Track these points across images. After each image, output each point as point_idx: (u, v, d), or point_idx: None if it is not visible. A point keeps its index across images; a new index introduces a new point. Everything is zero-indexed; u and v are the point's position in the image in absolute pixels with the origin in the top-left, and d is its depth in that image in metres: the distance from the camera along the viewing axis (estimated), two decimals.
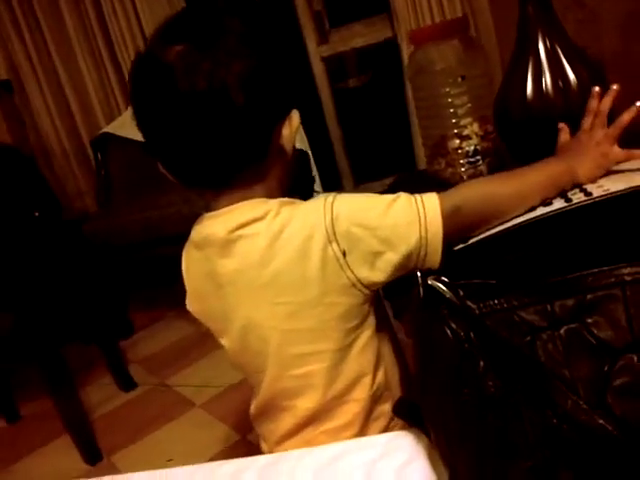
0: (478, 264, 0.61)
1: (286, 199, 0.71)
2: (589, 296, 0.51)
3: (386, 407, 0.76)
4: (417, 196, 0.67)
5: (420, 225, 0.65)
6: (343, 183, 2.82)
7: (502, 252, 0.62)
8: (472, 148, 0.98)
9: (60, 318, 1.92)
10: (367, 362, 0.73)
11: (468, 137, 0.98)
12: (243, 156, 0.69)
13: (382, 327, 0.75)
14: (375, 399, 0.75)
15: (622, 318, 0.50)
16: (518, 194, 0.67)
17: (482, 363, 0.50)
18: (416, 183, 1.15)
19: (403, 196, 0.67)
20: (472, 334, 0.51)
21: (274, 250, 0.67)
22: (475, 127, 0.97)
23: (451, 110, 0.97)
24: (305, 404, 0.74)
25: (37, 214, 1.81)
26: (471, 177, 1.00)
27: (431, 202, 0.66)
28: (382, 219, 0.65)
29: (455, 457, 0.52)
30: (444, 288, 0.53)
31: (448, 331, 0.51)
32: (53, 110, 2.69)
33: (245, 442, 1.57)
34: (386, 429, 0.75)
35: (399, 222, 0.65)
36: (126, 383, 2.03)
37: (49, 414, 1.76)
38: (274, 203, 0.69)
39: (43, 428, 1.88)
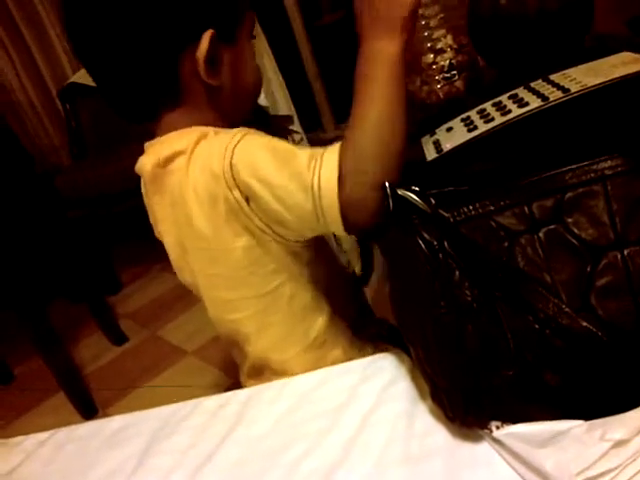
0: (452, 174, 0.58)
1: (209, 129, 0.64)
2: (568, 194, 0.48)
3: (336, 353, 0.73)
4: (317, 160, 0.58)
5: (313, 196, 0.57)
6: (323, 122, 2.75)
7: (478, 159, 0.59)
8: (447, 62, 0.93)
9: (42, 275, 1.89)
10: (300, 309, 0.71)
11: (442, 51, 0.93)
12: (147, 87, 0.65)
13: (321, 268, 0.72)
14: (318, 346, 0.73)
15: (604, 215, 0.47)
16: (387, 119, 0.57)
17: (458, 272, 0.47)
18: None
19: (303, 157, 0.58)
20: (446, 243, 0.48)
21: (182, 190, 0.64)
22: (449, 39, 0.92)
23: (422, 22, 0.91)
24: (247, 348, 0.74)
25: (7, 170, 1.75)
26: (447, 94, 0.95)
27: (328, 169, 0.56)
28: (279, 178, 0.58)
29: (435, 371, 0.49)
30: (415, 197, 0.49)
31: (420, 242, 0.48)
32: (17, 63, 2.58)
33: (239, 385, 1.58)
34: None
35: (292, 186, 0.58)
36: (117, 337, 2.02)
37: (43, 372, 1.75)
38: (195, 134, 0.63)
39: (37, 386, 1.88)
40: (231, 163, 0.60)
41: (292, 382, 0.67)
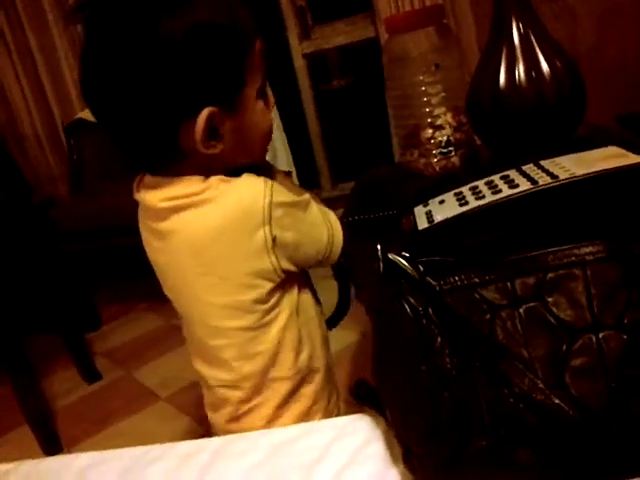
0: (441, 244, 0.60)
1: (225, 177, 0.68)
2: (550, 275, 0.50)
3: (308, 389, 0.77)
4: (319, 204, 0.77)
5: (328, 227, 0.75)
6: (321, 181, 2.80)
7: (466, 233, 0.61)
8: (445, 138, 0.97)
9: (22, 307, 1.88)
10: (285, 343, 0.74)
11: (441, 127, 0.97)
12: (149, 152, 0.68)
13: (307, 308, 0.78)
14: (297, 381, 0.76)
15: (582, 298, 0.49)
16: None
17: (439, 339, 0.49)
18: (389, 176, 1.14)
19: (309, 197, 0.74)
20: (430, 310, 0.49)
21: (198, 221, 0.67)
22: (448, 117, 0.97)
23: (424, 99, 0.96)
24: (220, 375, 0.76)
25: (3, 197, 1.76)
26: (443, 168, 0.99)
27: (331, 212, 0.78)
28: (305, 214, 0.72)
29: (410, 435, 0.50)
30: (404, 263, 0.51)
31: (406, 306, 0.50)
32: (27, 93, 2.64)
33: (210, 435, 1.55)
34: (307, 412, 0.77)
35: (316, 220, 0.74)
36: (90, 374, 1.99)
37: (9, 403, 1.71)
38: (213, 179, 0.67)
39: (3, 418, 1.83)
40: (271, 200, 0.66)
41: (266, 435, 0.66)
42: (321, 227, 0.74)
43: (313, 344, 0.78)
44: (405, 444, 0.52)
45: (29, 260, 1.88)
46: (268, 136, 0.74)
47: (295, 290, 0.75)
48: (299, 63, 2.64)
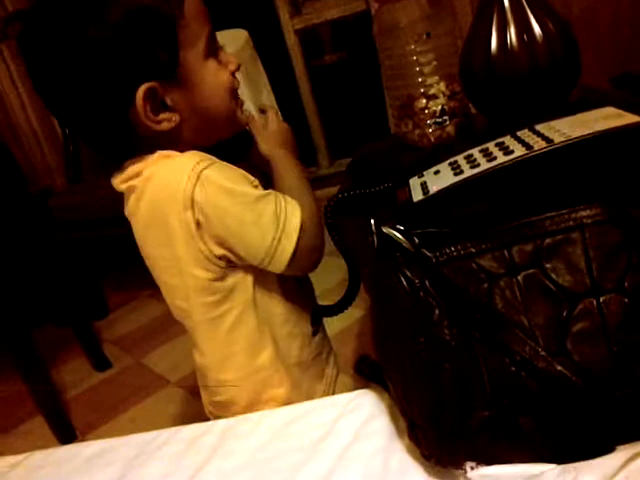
0: (437, 215, 0.59)
1: (170, 152, 0.68)
2: (547, 240, 0.49)
3: (279, 392, 0.75)
4: (286, 204, 0.69)
5: (275, 235, 0.67)
6: (319, 159, 2.79)
7: (462, 203, 0.60)
8: (439, 108, 0.96)
9: (29, 298, 1.89)
10: (237, 342, 0.73)
11: (435, 96, 0.95)
12: (110, 142, 0.70)
13: (269, 305, 0.74)
14: (260, 381, 0.74)
15: (581, 262, 0.48)
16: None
17: (437, 311, 0.48)
18: (385, 150, 1.13)
19: (272, 197, 0.68)
20: (427, 282, 0.49)
21: (140, 205, 0.68)
22: (442, 86, 0.95)
23: (417, 69, 0.94)
24: (197, 357, 0.77)
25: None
26: (438, 139, 0.98)
27: (293, 218, 0.68)
28: (245, 211, 0.66)
29: (412, 408, 0.50)
30: (399, 236, 0.51)
31: (403, 279, 0.49)
32: (19, 84, 2.61)
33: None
34: None
35: (259, 223, 0.67)
36: (101, 363, 2.00)
37: (22, 395, 1.73)
38: (157, 155, 0.67)
39: (16, 409, 1.85)
40: (195, 184, 0.64)
41: (271, 415, 0.67)
42: (264, 230, 0.67)
43: (279, 344, 0.75)
44: (409, 417, 0.52)
45: (31, 251, 1.88)
46: (230, 93, 0.72)
47: (249, 285, 0.72)
48: (291, 40, 2.61)
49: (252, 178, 0.69)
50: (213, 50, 0.70)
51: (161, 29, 0.64)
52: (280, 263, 0.68)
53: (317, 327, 0.81)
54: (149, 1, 0.63)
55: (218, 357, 0.74)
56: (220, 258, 0.68)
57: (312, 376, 0.80)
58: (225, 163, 0.68)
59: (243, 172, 0.69)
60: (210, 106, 0.70)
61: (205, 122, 0.70)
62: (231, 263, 0.69)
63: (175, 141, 0.69)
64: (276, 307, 0.75)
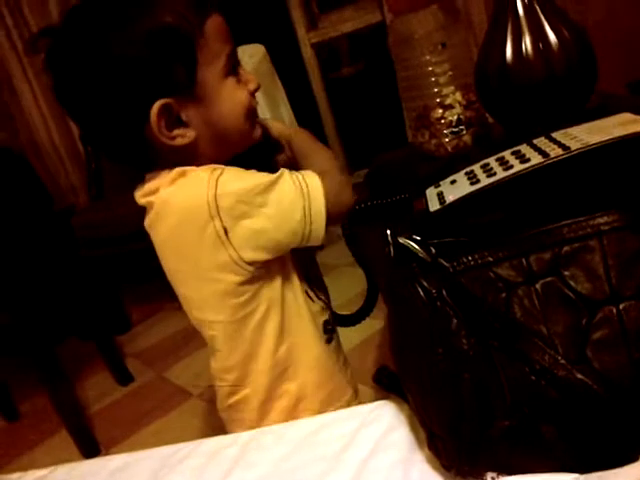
0: (453, 225, 0.59)
1: (186, 169, 0.69)
2: (565, 248, 0.49)
3: (291, 386, 0.76)
4: (299, 174, 0.70)
5: (304, 202, 0.68)
6: None
7: (478, 212, 0.60)
8: (455, 117, 0.96)
9: (55, 314, 1.92)
10: (264, 336, 0.74)
11: (451, 106, 0.96)
12: (128, 156, 0.73)
13: (293, 301, 0.75)
14: (275, 375, 0.75)
15: (599, 269, 0.48)
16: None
17: (455, 321, 0.48)
18: (402, 160, 1.13)
19: (286, 174, 0.69)
20: (444, 292, 0.49)
21: (160, 218, 0.69)
22: (458, 96, 0.95)
23: (432, 79, 0.95)
24: (212, 363, 0.78)
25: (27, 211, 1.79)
26: (455, 148, 0.98)
27: (313, 180, 0.69)
28: (266, 196, 0.67)
29: (431, 419, 0.50)
30: (415, 246, 0.51)
31: (420, 290, 0.49)
32: (42, 104, 2.67)
33: None
34: (292, 410, 0.76)
35: (283, 199, 0.68)
36: (123, 377, 2.02)
37: (48, 410, 1.75)
38: (174, 172, 0.68)
39: (42, 424, 1.88)
40: (216, 192, 0.65)
41: (293, 426, 0.67)
42: (292, 203, 0.68)
43: (296, 337, 0.76)
44: (428, 428, 0.52)
45: (55, 268, 1.91)
46: (247, 112, 0.72)
47: (278, 281, 0.73)
48: (307, 53, 2.64)
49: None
50: (233, 69, 0.71)
51: (180, 48, 0.66)
52: (319, 227, 0.69)
53: (330, 335, 0.81)
54: (170, 20, 0.65)
55: (242, 355, 0.74)
56: (250, 264, 0.69)
57: (334, 384, 0.80)
58: (234, 167, 0.70)
59: (254, 171, 0.70)
60: (225, 124, 0.71)
61: (219, 138, 0.71)
62: (260, 265, 0.70)
63: (192, 156, 0.70)
64: (299, 302, 0.76)
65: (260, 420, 0.77)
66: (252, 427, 0.72)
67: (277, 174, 0.69)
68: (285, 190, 0.68)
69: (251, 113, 0.73)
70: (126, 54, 0.64)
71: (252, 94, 0.73)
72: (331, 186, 0.71)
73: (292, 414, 0.76)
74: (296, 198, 0.68)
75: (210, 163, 0.69)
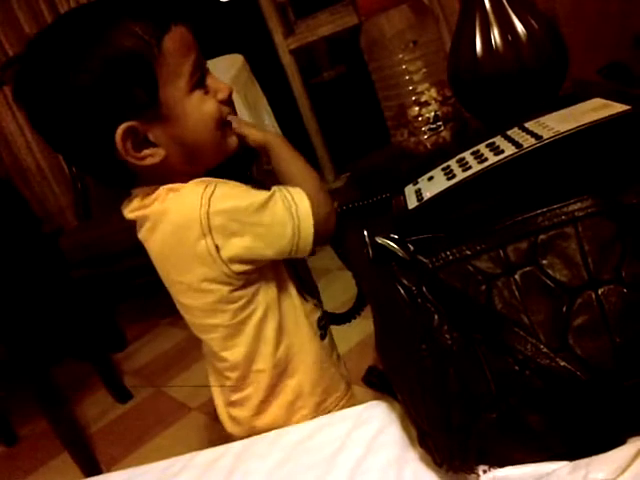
0: (431, 221, 0.59)
1: (175, 185, 0.69)
2: (541, 236, 0.49)
3: (291, 382, 0.77)
4: (288, 193, 0.72)
5: (294, 221, 0.70)
6: (324, 174, 2.80)
7: (455, 207, 0.60)
8: (432, 114, 0.96)
9: (49, 337, 1.90)
10: (264, 336, 0.75)
11: (427, 103, 0.96)
12: (104, 176, 0.74)
13: (288, 299, 0.77)
14: (276, 374, 0.76)
15: (576, 256, 0.48)
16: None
17: (437, 316, 0.48)
18: (383, 160, 1.13)
19: (277, 194, 0.71)
20: (424, 288, 0.49)
21: (156, 228, 0.70)
22: (433, 92, 0.96)
23: (407, 77, 0.95)
24: (214, 363, 0.79)
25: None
26: (434, 145, 0.98)
27: (302, 201, 0.72)
28: (258, 216, 0.69)
29: (421, 416, 0.50)
30: (393, 245, 0.51)
31: (400, 288, 0.49)
32: (25, 127, 2.66)
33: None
34: (290, 407, 0.77)
35: (274, 220, 0.70)
36: (121, 395, 2.01)
37: (47, 433, 1.74)
38: (162, 189, 0.69)
39: (42, 447, 1.87)
40: (208, 210, 0.66)
41: (285, 433, 0.67)
42: (282, 224, 0.70)
43: (294, 336, 0.77)
44: (419, 426, 0.52)
45: (46, 291, 1.90)
46: (217, 122, 0.71)
47: (273, 284, 0.75)
48: (287, 60, 2.64)
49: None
50: (199, 81, 0.69)
51: (138, 71, 0.65)
52: (306, 245, 0.72)
53: (324, 331, 0.83)
54: (127, 44, 0.64)
55: (243, 357, 0.75)
56: (240, 274, 0.70)
57: (327, 379, 0.81)
58: (226, 181, 0.70)
59: (245, 186, 0.71)
60: (195, 138, 0.70)
61: (192, 153, 0.71)
62: (251, 274, 0.72)
63: (167, 173, 0.70)
64: (294, 300, 0.78)
65: (260, 415, 0.78)
66: (252, 424, 0.77)
67: (269, 193, 0.70)
68: (276, 211, 0.70)
69: (221, 123, 0.72)
70: (84, 84, 0.64)
71: (225, 102, 0.72)
72: (317, 205, 0.73)
73: (291, 409, 0.78)
74: (286, 218, 0.70)
75: (187, 178, 0.69)
